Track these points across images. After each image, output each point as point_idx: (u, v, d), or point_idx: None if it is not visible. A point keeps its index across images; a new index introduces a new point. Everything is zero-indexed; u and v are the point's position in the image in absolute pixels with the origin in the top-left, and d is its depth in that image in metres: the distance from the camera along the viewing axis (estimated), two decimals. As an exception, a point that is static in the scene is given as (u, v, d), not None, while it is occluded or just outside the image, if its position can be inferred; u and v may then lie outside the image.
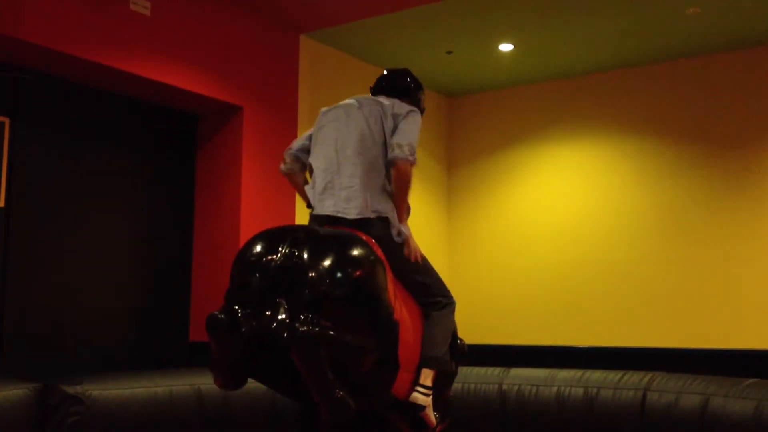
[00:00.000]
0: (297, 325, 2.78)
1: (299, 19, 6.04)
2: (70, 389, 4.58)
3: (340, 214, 3.36)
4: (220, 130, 5.94)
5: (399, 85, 3.76)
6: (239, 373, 3.07)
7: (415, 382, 3.43)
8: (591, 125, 7.13)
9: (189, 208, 6.02)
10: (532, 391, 5.63)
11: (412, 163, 3.43)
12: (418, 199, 7.35)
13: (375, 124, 3.48)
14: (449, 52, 6.66)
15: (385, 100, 3.58)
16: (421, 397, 3.40)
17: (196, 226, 6.00)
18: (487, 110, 7.63)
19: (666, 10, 5.79)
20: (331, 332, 2.84)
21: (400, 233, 3.43)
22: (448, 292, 3.63)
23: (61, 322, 5.20)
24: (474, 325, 7.15)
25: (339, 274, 2.96)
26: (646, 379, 5.38)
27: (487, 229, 7.50)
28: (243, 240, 5.73)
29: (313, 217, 3.48)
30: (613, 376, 5.52)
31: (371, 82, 3.88)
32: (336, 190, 3.40)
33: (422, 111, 3.76)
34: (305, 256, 2.96)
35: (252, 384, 3.30)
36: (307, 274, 2.93)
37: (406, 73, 3.85)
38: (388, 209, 3.41)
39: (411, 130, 3.49)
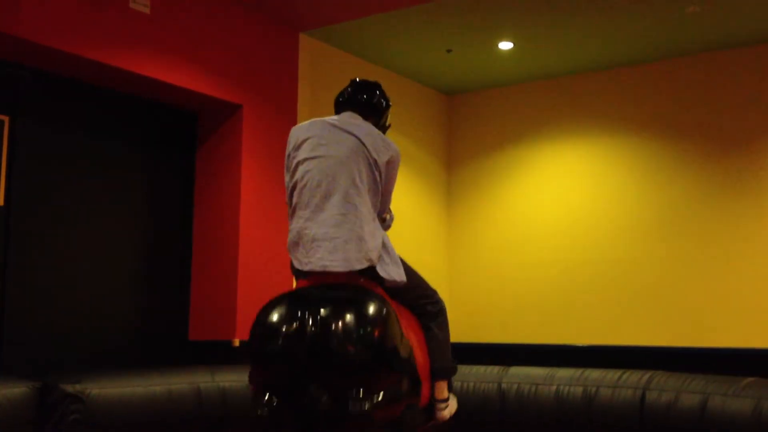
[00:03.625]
0: (350, 403, 2.81)
1: (299, 17, 6.04)
2: (70, 388, 4.57)
3: (328, 269, 3.18)
4: (220, 128, 5.94)
5: (372, 102, 3.57)
6: None
7: (432, 389, 3.48)
8: (591, 124, 7.13)
9: (188, 206, 6.02)
10: (531, 390, 5.63)
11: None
12: (417, 197, 7.36)
13: (365, 167, 3.30)
14: (449, 51, 6.65)
15: (359, 129, 3.38)
16: (446, 412, 3.50)
17: (195, 224, 6.00)
18: (486, 108, 7.63)
19: (666, 8, 5.78)
20: (380, 400, 2.87)
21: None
22: (435, 293, 3.61)
23: (61, 320, 5.21)
24: (473, 323, 7.16)
25: (365, 340, 2.91)
26: (645, 378, 5.39)
27: (487, 228, 7.50)
28: (242, 239, 5.74)
29: (303, 274, 3.30)
30: (612, 374, 5.52)
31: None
32: (321, 241, 3.22)
33: (387, 128, 3.68)
34: (331, 328, 2.89)
35: (250, 383, 3.30)
36: (336, 348, 2.88)
37: (378, 88, 3.65)
38: (376, 256, 3.27)
39: (392, 190, 3.51)
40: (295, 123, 6.16)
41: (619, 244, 6.85)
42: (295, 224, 3.32)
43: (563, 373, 5.66)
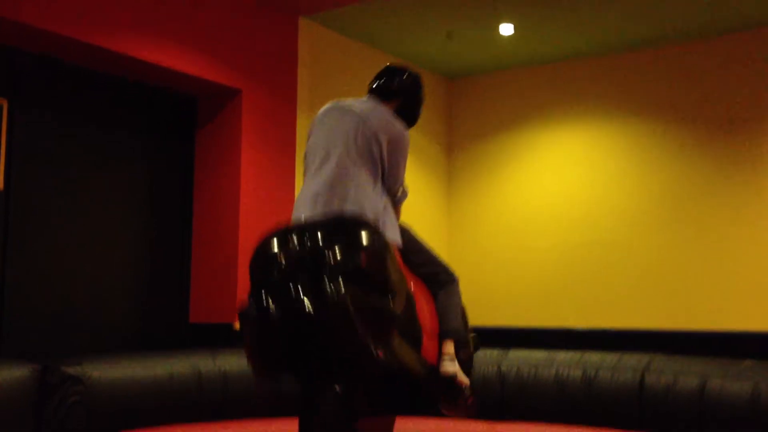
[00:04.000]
0: (327, 289, 2.86)
1: (299, 1, 6.03)
2: (70, 370, 4.60)
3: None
4: (219, 113, 5.94)
5: (390, 87, 3.71)
6: (275, 357, 3.11)
7: (440, 352, 3.58)
8: (591, 108, 7.12)
9: (188, 189, 6.03)
10: (531, 373, 5.65)
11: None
12: (417, 181, 7.35)
13: (362, 140, 3.49)
14: (449, 34, 6.63)
15: (364, 108, 3.57)
16: (451, 368, 3.57)
17: (195, 208, 6.01)
18: (487, 92, 7.62)
19: (667, -9, 5.78)
20: (359, 293, 2.91)
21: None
22: (449, 268, 3.74)
23: (61, 304, 5.23)
24: (473, 306, 7.12)
25: (355, 248, 3.04)
26: (644, 361, 5.40)
27: (487, 212, 7.51)
28: (242, 222, 5.76)
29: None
30: (611, 357, 5.54)
31: (370, 65, 3.88)
32: (317, 196, 3.41)
33: (418, 103, 3.77)
34: (318, 238, 3.05)
35: (252, 365, 3.33)
36: (325, 253, 3.00)
37: (400, 73, 3.76)
38: (371, 216, 3.41)
39: (400, 167, 3.58)
40: (294, 107, 6.18)
41: (619, 227, 6.85)
42: (303, 186, 3.57)
43: (563, 356, 5.68)
